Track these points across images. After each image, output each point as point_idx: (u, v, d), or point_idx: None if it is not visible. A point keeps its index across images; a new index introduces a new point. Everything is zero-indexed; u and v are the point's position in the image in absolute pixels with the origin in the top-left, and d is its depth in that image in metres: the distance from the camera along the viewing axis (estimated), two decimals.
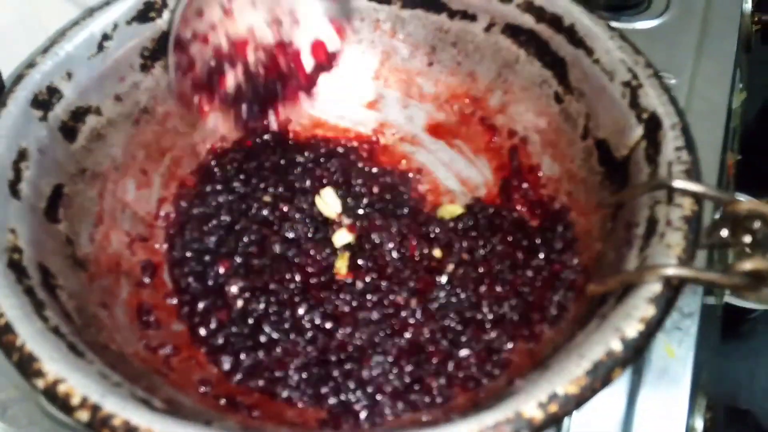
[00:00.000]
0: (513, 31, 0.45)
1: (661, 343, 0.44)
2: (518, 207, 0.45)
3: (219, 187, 0.46)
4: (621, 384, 0.42)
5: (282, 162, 0.48)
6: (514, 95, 0.47)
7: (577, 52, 0.40)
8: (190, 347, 0.38)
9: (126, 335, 0.36)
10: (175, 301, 0.41)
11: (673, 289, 0.27)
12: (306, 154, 0.49)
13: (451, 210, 0.45)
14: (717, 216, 0.43)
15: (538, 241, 0.41)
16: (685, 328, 0.45)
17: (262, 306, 0.39)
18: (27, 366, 0.26)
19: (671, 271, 0.27)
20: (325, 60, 0.47)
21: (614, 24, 0.41)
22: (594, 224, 0.38)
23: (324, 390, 0.35)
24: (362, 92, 0.52)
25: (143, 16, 0.44)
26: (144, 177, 0.45)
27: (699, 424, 0.43)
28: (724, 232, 0.31)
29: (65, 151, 0.39)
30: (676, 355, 0.44)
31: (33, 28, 0.45)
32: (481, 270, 0.41)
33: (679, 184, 0.30)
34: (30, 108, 0.37)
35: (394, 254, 0.42)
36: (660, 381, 0.43)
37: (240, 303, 0.40)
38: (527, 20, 0.44)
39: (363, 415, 0.34)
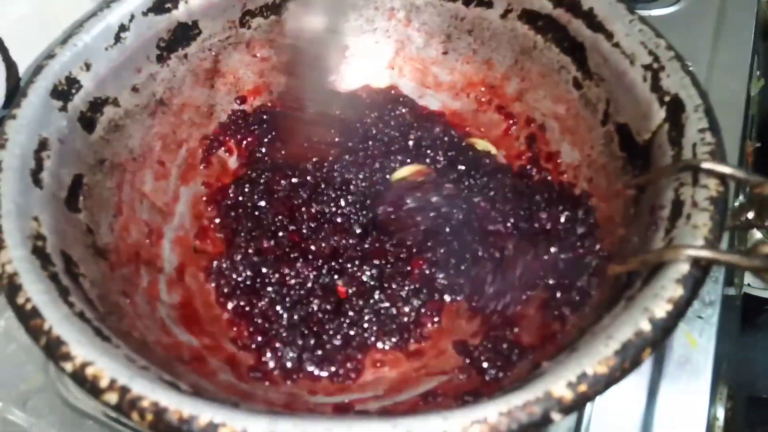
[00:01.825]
0: (530, 16, 0.45)
1: (683, 333, 0.44)
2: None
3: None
4: (643, 373, 0.42)
5: None
6: (532, 82, 0.46)
7: (596, 36, 0.40)
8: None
9: (147, 323, 0.36)
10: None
11: (701, 269, 0.27)
12: None
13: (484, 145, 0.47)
14: (742, 199, 0.43)
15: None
16: (706, 317, 0.45)
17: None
18: (55, 349, 0.26)
19: (692, 251, 0.27)
20: None
21: None
22: (616, 209, 0.37)
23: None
24: (377, 82, 0.52)
25: (159, 7, 0.44)
26: (161, 168, 0.46)
27: (720, 412, 0.43)
28: (751, 214, 0.30)
29: (84, 141, 0.40)
30: (697, 345, 0.43)
31: (48, 20, 0.45)
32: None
33: (707, 165, 0.29)
34: (50, 98, 0.38)
35: None
36: (682, 370, 0.42)
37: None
38: (545, 5, 0.43)
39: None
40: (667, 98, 0.35)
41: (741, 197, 0.48)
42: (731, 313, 0.50)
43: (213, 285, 0.42)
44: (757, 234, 0.60)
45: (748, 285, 0.62)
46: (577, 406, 0.24)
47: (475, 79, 0.50)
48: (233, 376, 0.36)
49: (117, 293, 0.36)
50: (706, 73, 0.57)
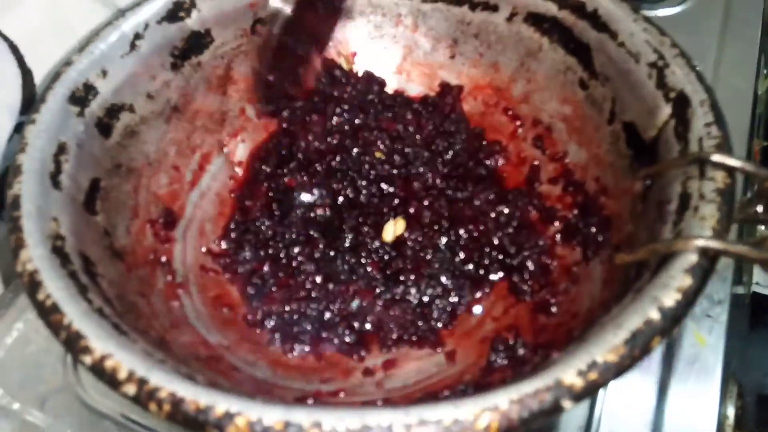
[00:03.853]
0: (535, 19, 0.45)
1: (692, 332, 0.44)
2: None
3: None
4: (652, 372, 0.42)
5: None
6: (538, 84, 0.47)
7: (601, 37, 0.41)
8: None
9: (164, 322, 0.37)
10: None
11: (710, 259, 0.27)
12: None
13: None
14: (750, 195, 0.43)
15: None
16: (715, 315, 0.45)
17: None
18: (74, 343, 0.27)
19: (701, 242, 0.27)
20: None
21: None
22: (624, 206, 0.38)
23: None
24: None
25: (173, 15, 0.45)
26: (176, 173, 0.46)
27: (730, 411, 0.43)
28: (759, 208, 0.31)
29: (101, 146, 0.40)
30: (706, 343, 0.43)
31: (63, 29, 0.47)
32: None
33: (716, 158, 0.30)
34: (68, 104, 0.39)
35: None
36: (691, 369, 0.42)
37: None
38: (550, 8, 0.44)
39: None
40: (672, 94, 0.35)
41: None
42: (740, 312, 0.50)
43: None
44: None
45: (757, 284, 0.62)
46: (587, 393, 0.24)
47: (482, 82, 0.50)
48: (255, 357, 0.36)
49: (134, 293, 0.37)
50: (713, 72, 0.57)
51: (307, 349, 0.39)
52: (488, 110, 0.50)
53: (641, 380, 0.42)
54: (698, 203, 0.29)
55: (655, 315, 0.25)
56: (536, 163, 0.47)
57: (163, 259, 0.42)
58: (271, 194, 0.47)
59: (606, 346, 0.25)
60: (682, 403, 0.41)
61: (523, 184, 0.46)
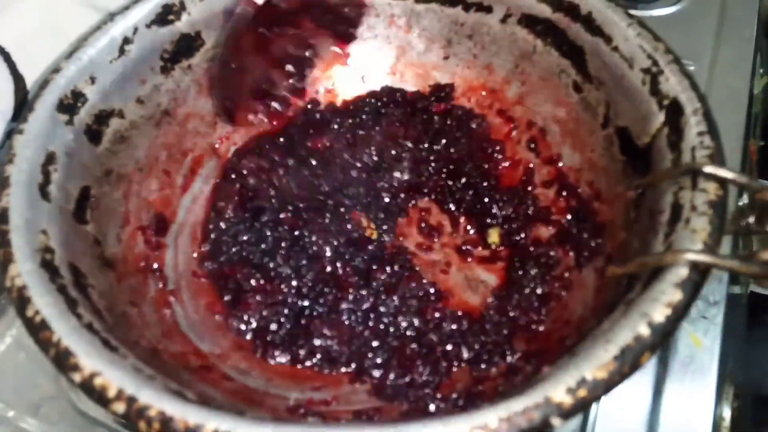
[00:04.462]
0: (529, 21, 0.45)
1: (687, 333, 0.44)
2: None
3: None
4: (647, 373, 0.42)
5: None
6: (532, 86, 0.47)
7: (596, 40, 0.40)
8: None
9: (155, 332, 0.37)
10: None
11: (700, 273, 0.27)
12: None
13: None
14: (743, 203, 0.43)
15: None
16: (711, 317, 0.45)
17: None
18: (63, 361, 0.27)
19: (691, 256, 0.27)
20: None
21: (631, 12, 0.41)
22: (617, 213, 0.38)
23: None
24: (378, 88, 0.52)
25: (162, 19, 0.44)
26: (167, 178, 0.46)
27: (726, 412, 0.43)
28: (751, 219, 0.31)
29: (91, 153, 0.40)
30: (702, 345, 0.43)
31: (55, 34, 0.46)
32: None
33: (708, 169, 0.29)
34: (56, 112, 0.38)
35: None
36: (686, 370, 0.42)
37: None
38: (544, 10, 0.43)
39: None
40: (666, 102, 0.35)
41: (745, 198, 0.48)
42: (737, 312, 0.50)
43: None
44: None
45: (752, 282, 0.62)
46: (576, 411, 0.24)
47: (476, 84, 0.50)
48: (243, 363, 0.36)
49: (125, 303, 0.37)
50: (708, 72, 0.57)
51: (284, 359, 0.39)
52: (482, 112, 0.50)
53: (637, 381, 0.42)
54: (690, 215, 0.29)
55: (644, 331, 0.25)
56: (531, 165, 0.46)
57: (155, 266, 0.42)
58: (243, 194, 0.46)
59: (596, 362, 0.25)
60: (678, 405, 0.41)
61: (518, 186, 0.46)
